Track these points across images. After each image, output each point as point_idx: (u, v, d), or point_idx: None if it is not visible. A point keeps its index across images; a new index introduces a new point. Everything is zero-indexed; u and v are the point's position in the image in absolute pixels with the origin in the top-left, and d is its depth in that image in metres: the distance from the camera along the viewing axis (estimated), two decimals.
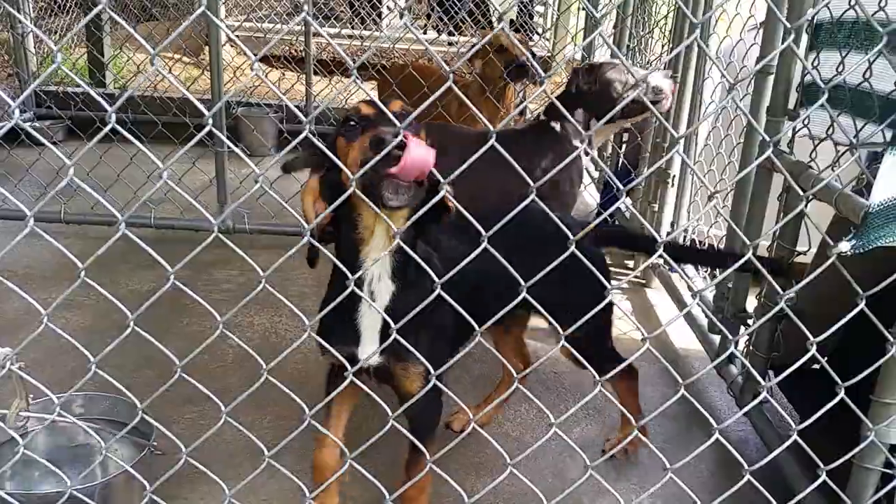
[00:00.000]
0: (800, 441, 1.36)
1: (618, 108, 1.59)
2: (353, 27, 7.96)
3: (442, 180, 1.23)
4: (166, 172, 1.18)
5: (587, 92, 2.83)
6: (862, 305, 1.24)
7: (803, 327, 1.27)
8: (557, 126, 2.89)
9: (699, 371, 2.87)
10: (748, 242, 1.20)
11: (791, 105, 2.18)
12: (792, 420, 1.97)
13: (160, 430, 1.67)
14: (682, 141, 3.30)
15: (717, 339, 2.65)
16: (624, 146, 4.14)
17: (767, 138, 1.17)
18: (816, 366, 2.35)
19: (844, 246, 1.17)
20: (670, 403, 1.46)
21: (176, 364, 1.38)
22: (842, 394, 1.30)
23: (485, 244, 1.22)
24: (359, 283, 1.60)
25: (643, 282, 3.65)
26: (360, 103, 1.54)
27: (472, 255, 1.26)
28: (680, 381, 1.31)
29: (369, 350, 1.67)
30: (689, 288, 3.11)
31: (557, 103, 2.81)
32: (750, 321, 2.39)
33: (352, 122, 1.50)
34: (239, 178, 3.75)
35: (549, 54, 7.23)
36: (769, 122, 2.23)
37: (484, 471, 2.22)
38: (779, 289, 1.32)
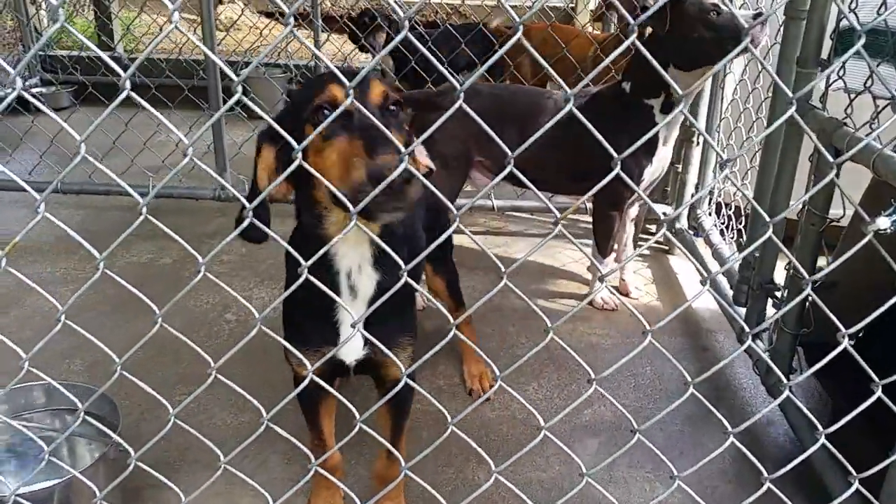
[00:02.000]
0: (827, 444, 1.18)
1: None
2: None
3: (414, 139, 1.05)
4: (83, 146, 1.01)
5: (663, 36, 2.45)
6: None
7: (832, 316, 1.08)
8: (628, 87, 2.62)
9: (724, 345, 2.69)
10: (768, 220, 1.01)
11: (825, 55, 1.96)
12: (818, 413, 1.79)
13: (144, 421, 1.54)
14: (688, 99, 3.07)
15: (742, 310, 2.45)
16: None
17: (790, 93, 0.97)
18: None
19: (883, 222, 0.98)
20: (676, 405, 1.28)
21: (116, 362, 1.22)
22: (878, 392, 1.11)
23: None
24: (334, 276, 1.43)
25: (665, 248, 3.44)
26: (334, 89, 1.25)
27: None
28: (689, 379, 1.13)
29: (354, 346, 1.51)
30: (714, 256, 2.90)
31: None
32: (777, 293, 2.19)
33: (325, 111, 1.24)
34: (238, 143, 3.60)
35: (572, 5, 6.92)
36: (800, 74, 2.01)
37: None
38: (803, 272, 1.13)
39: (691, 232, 3.20)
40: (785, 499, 1.25)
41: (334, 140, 1.19)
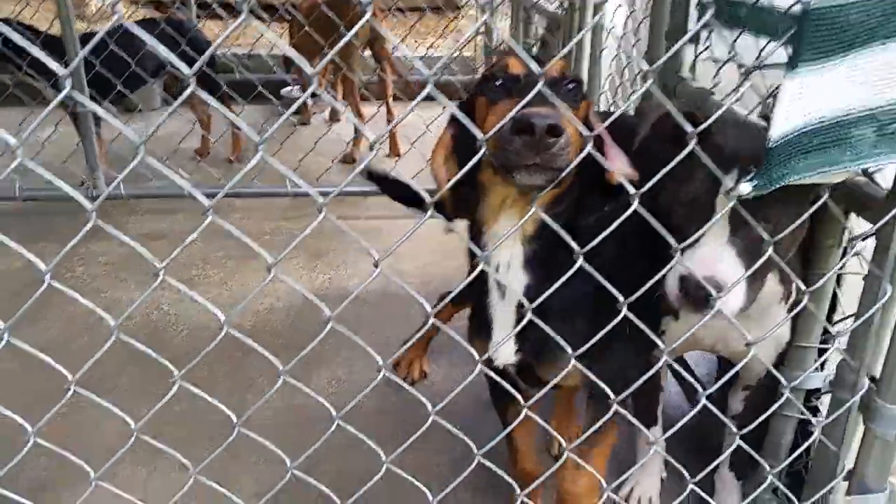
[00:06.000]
0: (661, 451, 1.21)
1: None
2: None
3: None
4: None
5: None
6: (770, 254, 1.08)
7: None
8: None
9: None
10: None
11: (692, 25, 2.00)
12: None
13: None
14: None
15: None
16: None
17: (645, 66, 0.98)
18: None
19: (745, 188, 1.00)
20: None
21: None
22: (703, 401, 1.15)
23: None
24: (487, 272, 1.32)
25: None
26: (510, 58, 1.23)
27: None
28: (475, 450, 1.13)
29: (503, 348, 1.36)
30: None
31: None
32: None
33: (497, 82, 1.21)
34: (110, 138, 3.41)
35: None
36: (669, 47, 2.05)
37: None
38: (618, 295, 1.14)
39: None
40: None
41: (497, 104, 1.18)
